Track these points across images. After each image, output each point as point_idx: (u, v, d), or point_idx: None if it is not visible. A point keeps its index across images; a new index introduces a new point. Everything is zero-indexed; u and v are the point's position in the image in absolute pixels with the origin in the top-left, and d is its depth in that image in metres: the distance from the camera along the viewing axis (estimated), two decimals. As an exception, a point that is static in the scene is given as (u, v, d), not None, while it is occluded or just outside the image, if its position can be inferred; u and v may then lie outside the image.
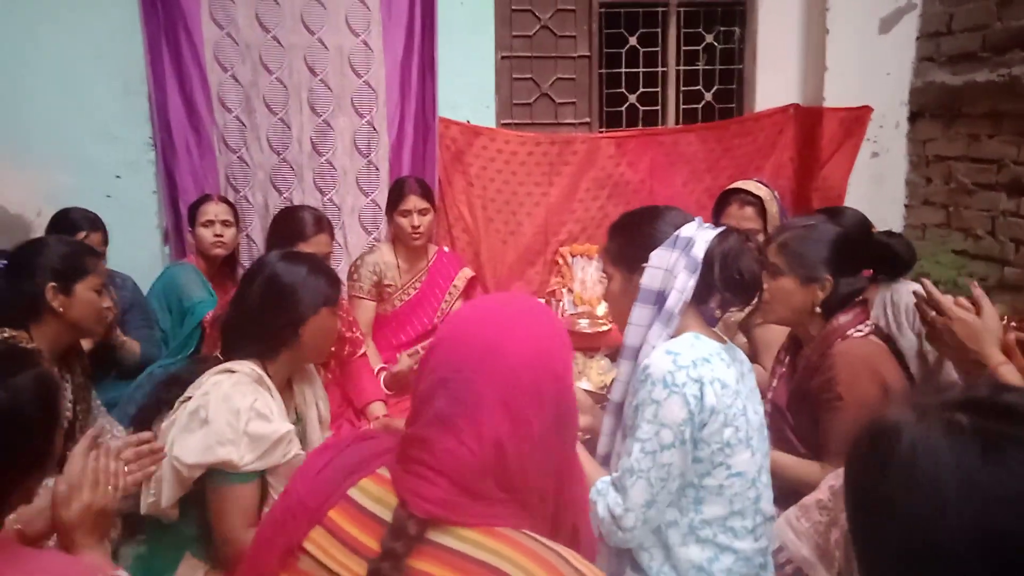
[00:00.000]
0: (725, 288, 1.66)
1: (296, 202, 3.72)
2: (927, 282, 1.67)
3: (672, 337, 1.66)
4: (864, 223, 2.50)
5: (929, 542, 0.65)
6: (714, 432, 1.60)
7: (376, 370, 3.14)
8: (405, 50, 3.86)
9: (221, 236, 3.22)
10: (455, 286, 3.56)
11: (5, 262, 2.20)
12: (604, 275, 1.86)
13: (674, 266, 1.66)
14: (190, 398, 1.84)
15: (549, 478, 1.02)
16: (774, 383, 2.25)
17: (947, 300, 1.58)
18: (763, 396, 2.28)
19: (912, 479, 0.68)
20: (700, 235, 1.68)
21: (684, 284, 1.64)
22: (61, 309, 2.13)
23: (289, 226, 2.96)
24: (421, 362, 1.07)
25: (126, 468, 1.52)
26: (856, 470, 0.75)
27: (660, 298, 1.67)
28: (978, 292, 1.62)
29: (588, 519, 1.14)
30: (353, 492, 1.03)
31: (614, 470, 1.71)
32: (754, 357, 2.77)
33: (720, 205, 2.89)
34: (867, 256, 2.18)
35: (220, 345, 2.01)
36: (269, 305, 1.95)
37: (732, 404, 1.61)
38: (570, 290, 4.22)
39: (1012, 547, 0.62)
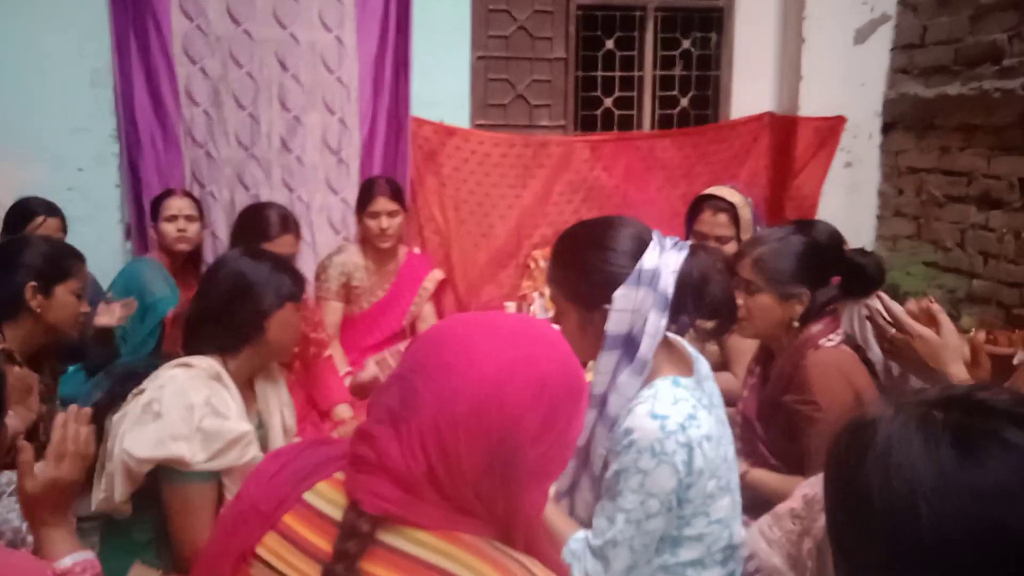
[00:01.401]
0: (699, 316, 1.54)
1: (264, 198, 3.65)
2: (884, 297, 1.65)
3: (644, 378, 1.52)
4: (836, 235, 2.50)
5: (905, 535, 0.66)
6: (700, 489, 1.51)
7: (343, 373, 3.09)
8: (379, 47, 3.82)
9: (184, 231, 3.16)
10: (424, 288, 3.52)
11: None
12: (552, 303, 1.68)
13: (641, 305, 1.49)
14: (144, 391, 1.79)
15: (495, 505, 0.95)
16: (744, 394, 2.23)
17: (907, 318, 1.56)
18: (733, 405, 2.27)
19: (887, 471, 0.69)
20: (664, 264, 1.50)
21: (656, 326, 1.48)
22: (39, 309, 2.12)
23: (254, 225, 2.91)
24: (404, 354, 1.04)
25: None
26: (835, 465, 0.76)
27: (629, 343, 1.50)
28: (935, 308, 1.60)
29: (545, 547, 1.04)
30: (308, 496, 1.00)
31: (576, 506, 1.65)
32: (726, 365, 2.76)
33: (693, 211, 2.88)
34: (839, 270, 2.17)
35: (182, 342, 1.96)
36: (233, 299, 1.91)
37: (715, 456, 1.52)
38: (541, 294, 4.18)
39: (986, 539, 0.63)
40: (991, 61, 3.79)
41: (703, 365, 1.67)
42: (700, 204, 2.86)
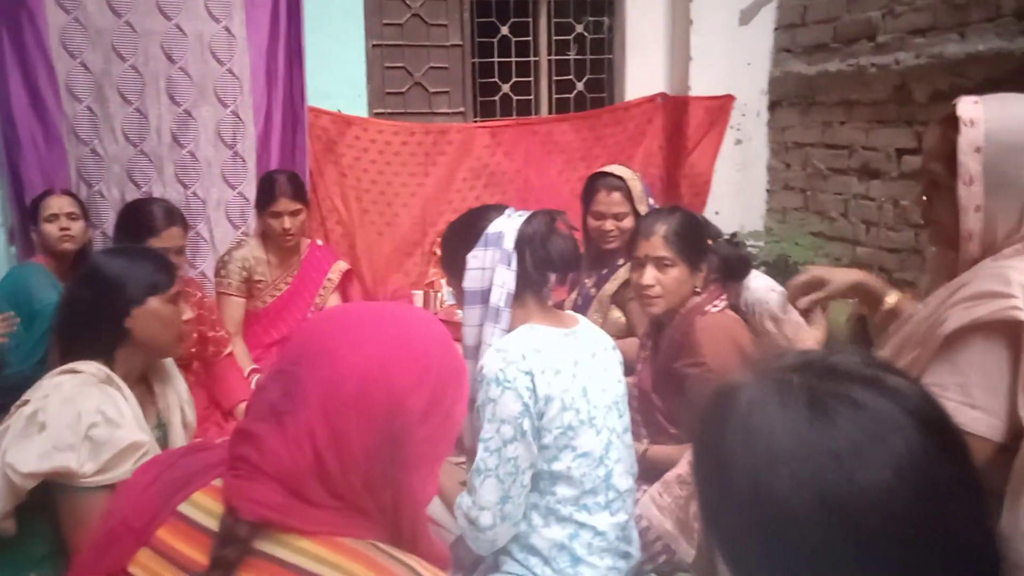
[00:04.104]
0: (541, 271, 1.72)
1: (156, 195, 3.53)
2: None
3: (508, 330, 1.70)
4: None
5: (765, 497, 0.67)
6: (553, 418, 1.64)
7: (247, 371, 3.03)
8: (270, 37, 3.74)
9: (68, 230, 3.03)
10: (329, 279, 3.47)
11: None
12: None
13: (490, 262, 1.70)
14: (28, 401, 1.70)
15: (383, 494, 0.94)
16: (638, 367, 2.30)
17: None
18: (633, 377, 2.35)
19: (747, 435, 0.70)
20: (508, 226, 1.71)
21: (503, 278, 1.68)
22: None
23: (137, 220, 2.79)
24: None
25: None
26: (700, 431, 0.77)
27: (485, 296, 1.71)
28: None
29: (428, 533, 1.04)
30: (184, 507, 0.95)
31: None
32: (632, 331, 2.83)
33: (588, 193, 2.93)
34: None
35: (58, 350, 1.87)
36: (90, 300, 1.83)
37: (568, 388, 1.66)
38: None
39: (841, 498, 0.64)
40: (867, 38, 3.98)
41: (588, 327, 1.83)
42: (593, 184, 2.92)
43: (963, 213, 1.41)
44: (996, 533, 0.68)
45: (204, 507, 0.95)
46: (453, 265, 1.80)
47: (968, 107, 1.40)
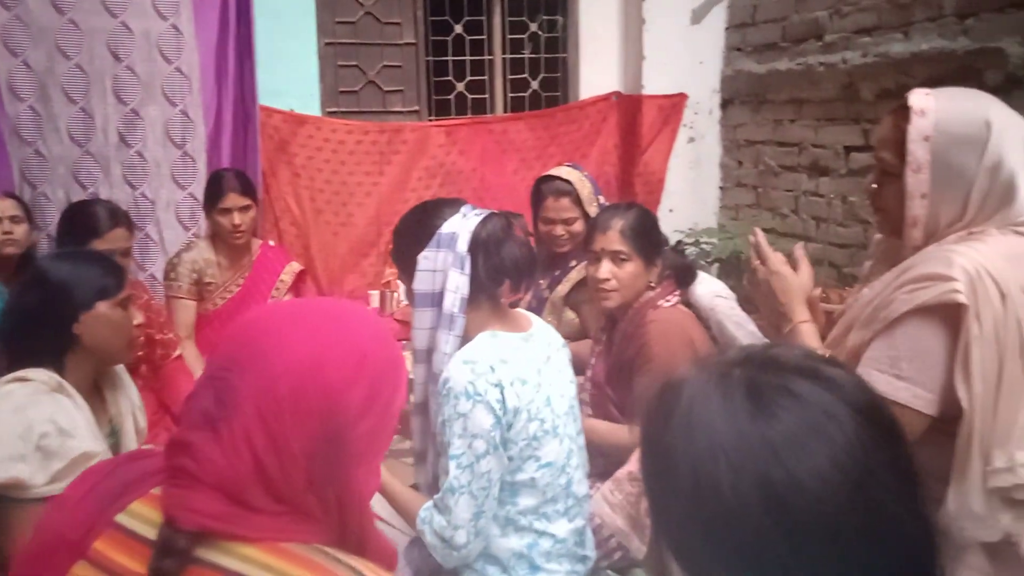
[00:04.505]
0: (494, 277, 1.65)
1: (103, 197, 3.46)
2: (759, 232, 1.76)
3: (464, 336, 1.64)
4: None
5: (708, 489, 0.67)
6: (520, 430, 1.60)
7: (198, 375, 2.98)
8: (220, 35, 3.68)
9: (11, 233, 2.95)
10: (282, 281, 3.43)
11: None
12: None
13: (442, 265, 1.63)
14: (-25, 414, 1.66)
15: (327, 494, 0.93)
16: (592, 361, 2.32)
17: (771, 252, 1.67)
18: (586, 372, 2.36)
19: (690, 428, 0.70)
20: (463, 227, 1.64)
21: (456, 283, 1.61)
22: None
23: (81, 222, 2.73)
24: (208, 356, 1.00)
25: None
26: (646, 424, 0.78)
27: (437, 300, 1.64)
28: (799, 253, 1.72)
29: (375, 530, 1.03)
30: (121, 518, 0.92)
31: (433, 473, 1.70)
32: (585, 332, 2.84)
33: (536, 198, 2.93)
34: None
35: (6, 359, 1.83)
36: (37, 306, 1.79)
37: (534, 398, 1.62)
38: (405, 280, 4.18)
39: (779, 490, 0.65)
40: (815, 37, 4.05)
41: (542, 328, 1.79)
42: (540, 189, 2.92)
43: (909, 199, 1.44)
44: (931, 517, 0.70)
45: (143, 516, 0.92)
46: (403, 261, 1.73)
47: (920, 98, 1.44)
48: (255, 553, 0.87)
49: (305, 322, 0.96)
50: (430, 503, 1.63)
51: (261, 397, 0.89)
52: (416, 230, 1.69)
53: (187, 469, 0.89)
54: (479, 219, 1.66)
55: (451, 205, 1.71)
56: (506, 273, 1.66)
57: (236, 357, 0.93)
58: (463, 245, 1.62)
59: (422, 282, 1.64)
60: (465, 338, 1.65)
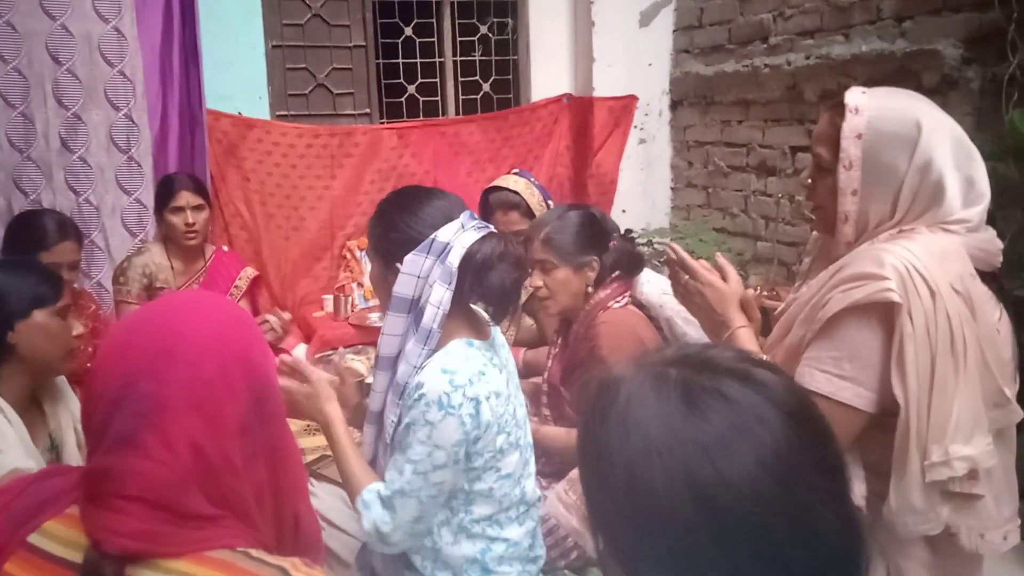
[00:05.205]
0: (476, 300, 1.61)
1: (46, 203, 3.39)
2: (678, 247, 1.78)
3: (434, 347, 1.56)
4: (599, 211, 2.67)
5: (641, 488, 0.69)
6: (488, 443, 1.57)
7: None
8: (163, 38, 3.61)
9: (-50, 243, 2.87)
10: (237, 286, 3.39)
11: None
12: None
13: (429, 274, 1.54)
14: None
15: (261, 466, 0.96)
16: (549, 364, 2.34)
17: (698, 266, 1.69)
18: (541, 375, 2.38)
19: (625, 427, 0.72)
20: (458, 241, 1.55)
21: (440, 298, 1.52)
22: None
23: (28, 234, 2.66)
24: (84, 392, 0.96)
25: None
26: (583, 423, 0.79)
27: (414, 306, 1.55)
28: (722, 260, 1.74)
29: (309, 503, 1.08)
30: (34, 538, 0.91)
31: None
32: (543, 339, 2.86)
33: (484, 211, 2.92)
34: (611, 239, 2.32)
35: None
36: None
37: (504, 412, 1.59)
38: (360, 284, 4.15)
39: (710, 491, 0.66)
40: (760, 40, 4.13)
41: (498, 333, 1.76)
42: (488, 202, 2.91)
43: (841, 196, 1.48)
44: (857, 514, 0.72)
45: (57, 536, 0.91)
46: (377, 240, 1.63)
47: (855, 96, 1.48)
48: (182, 565, 0.88)
49: (180, 311, 0.99)
50: (374, 487, 1.60)
51: (188, 388, 0.91)
52: (402, 213, 1.60)
53: (112, 491, 0.88)
54: (477, 235, 1.57)
55: (452, 202, 1.62)
56: (487, 300, 1.60)
57: (135, 370, 0.91)
58: (455, 259, 1.53)
59: (403, 285, 1.55)
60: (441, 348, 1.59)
